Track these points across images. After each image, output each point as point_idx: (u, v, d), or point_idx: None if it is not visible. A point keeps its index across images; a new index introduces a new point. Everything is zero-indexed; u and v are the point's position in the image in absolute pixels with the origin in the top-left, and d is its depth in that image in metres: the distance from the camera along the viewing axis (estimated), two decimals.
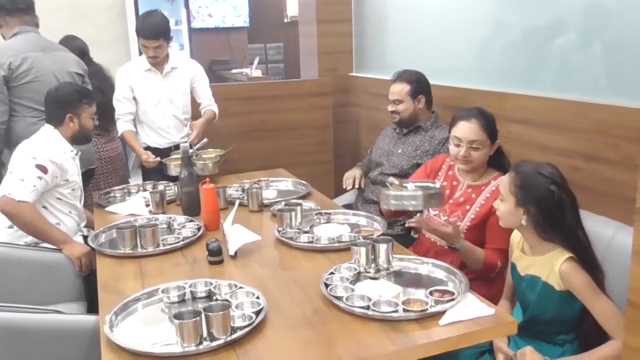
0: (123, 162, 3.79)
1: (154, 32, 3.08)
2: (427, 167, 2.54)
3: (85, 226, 2.76)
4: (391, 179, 2.21)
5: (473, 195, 2.31)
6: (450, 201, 2.35)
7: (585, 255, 1.79)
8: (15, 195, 2.35)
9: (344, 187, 3.17)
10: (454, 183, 2.40)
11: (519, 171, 1.88)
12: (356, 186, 3.13)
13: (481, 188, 2.32)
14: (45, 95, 2.66)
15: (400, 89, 2.99)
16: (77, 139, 2.67)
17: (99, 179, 3.56)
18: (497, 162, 2.36)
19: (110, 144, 3.63)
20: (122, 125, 3.24)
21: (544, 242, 1.85)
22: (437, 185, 2.10)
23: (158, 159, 3.12)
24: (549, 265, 1.82)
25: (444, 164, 2.50)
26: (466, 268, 2.15)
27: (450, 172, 2.45)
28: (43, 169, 2.43)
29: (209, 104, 3.38)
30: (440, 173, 2.48)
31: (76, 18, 5.15)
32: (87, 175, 3.17)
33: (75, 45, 3.53)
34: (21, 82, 2.94)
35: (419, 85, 2.98)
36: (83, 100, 2.65)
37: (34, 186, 2.39)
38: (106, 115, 3.32)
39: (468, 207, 2.30)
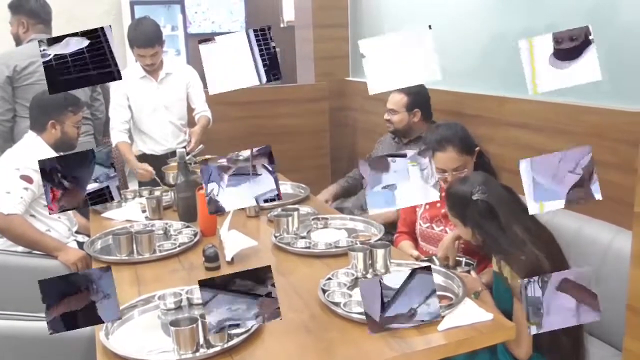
0: (120, 167, 3.77)
1: (148, 39, 3.06)
2: None
3: (79, 232, 2.74)
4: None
5: None
6: (443, 210, 2.33)
7: (530, 255, 1.74)
8: (4, 209, 2.33)
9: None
10: (443, 194, 2.38)
11: (447, 195, 1.97)
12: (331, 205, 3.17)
13: None
14: (31, 100, 2.63)
15: (397, 100, 2.96)
16: (60, 147, 2.61)
17: None
18: (481, 163, 2.31)
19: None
20: (117, 136, 3.20)
21: None
22: (463, 264, 2.10)
23: (153, 171, 3.05)
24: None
25: None
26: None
27: None
28: (28, 179, 2.41)
29: (202, 110, 3.37)
30: None
31: (72, 24, 5.13)
32: None
33: None
34: (24, 83, 2.99)
35: (417, 98, 2.93)
36: (68, 108, 2.60)
37: (21, 197, 2.38)
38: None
39: None
